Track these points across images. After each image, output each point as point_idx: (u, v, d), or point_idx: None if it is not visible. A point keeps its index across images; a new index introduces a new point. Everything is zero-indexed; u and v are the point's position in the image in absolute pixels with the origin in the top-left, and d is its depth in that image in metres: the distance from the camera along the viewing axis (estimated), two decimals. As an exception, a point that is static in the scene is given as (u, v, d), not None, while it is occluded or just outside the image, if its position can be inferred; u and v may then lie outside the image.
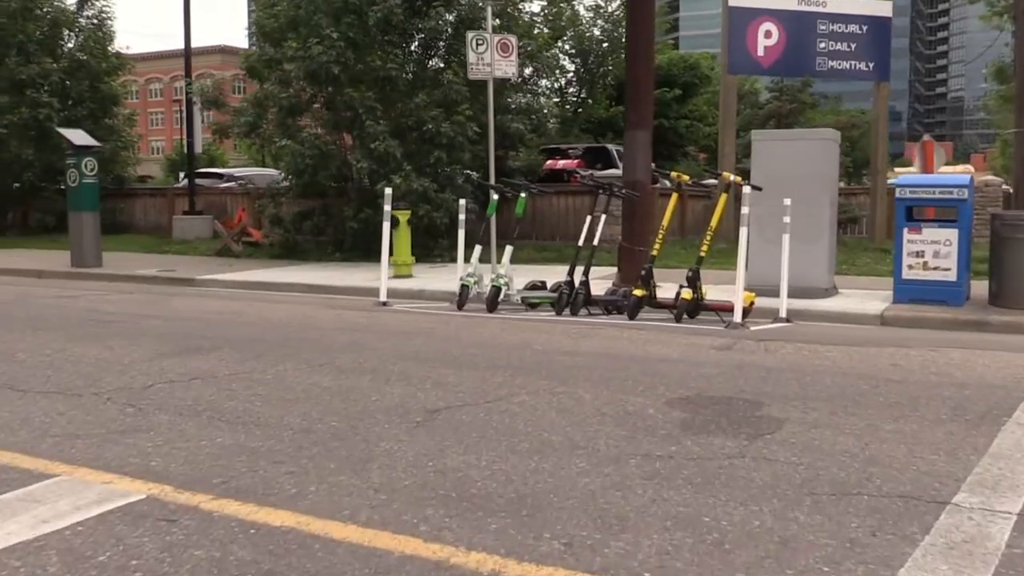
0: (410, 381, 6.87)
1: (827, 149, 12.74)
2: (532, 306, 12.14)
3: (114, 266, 17.92)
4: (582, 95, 36.26)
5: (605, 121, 35.04)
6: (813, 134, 13.08)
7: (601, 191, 12.07)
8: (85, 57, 24.11)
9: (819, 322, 11.33)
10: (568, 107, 35.76)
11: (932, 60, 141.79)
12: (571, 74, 35.57)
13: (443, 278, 14.90)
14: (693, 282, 10.80)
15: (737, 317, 10.27)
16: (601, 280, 14.69)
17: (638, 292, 10.94)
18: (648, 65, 13.97)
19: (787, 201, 11.50)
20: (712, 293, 12.53)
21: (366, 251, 17.43)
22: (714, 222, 10.98)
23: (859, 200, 22.62)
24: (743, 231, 10.38)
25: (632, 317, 10.93)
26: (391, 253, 15.54)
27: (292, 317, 10.75)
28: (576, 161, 23.40)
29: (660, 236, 11.29)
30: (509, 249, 12.22)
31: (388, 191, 12.41)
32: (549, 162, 23.46)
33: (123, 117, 25.93)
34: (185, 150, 24.23)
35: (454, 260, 17.43)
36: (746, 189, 10.41)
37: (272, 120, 18.93)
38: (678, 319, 10.71)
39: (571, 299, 11.54)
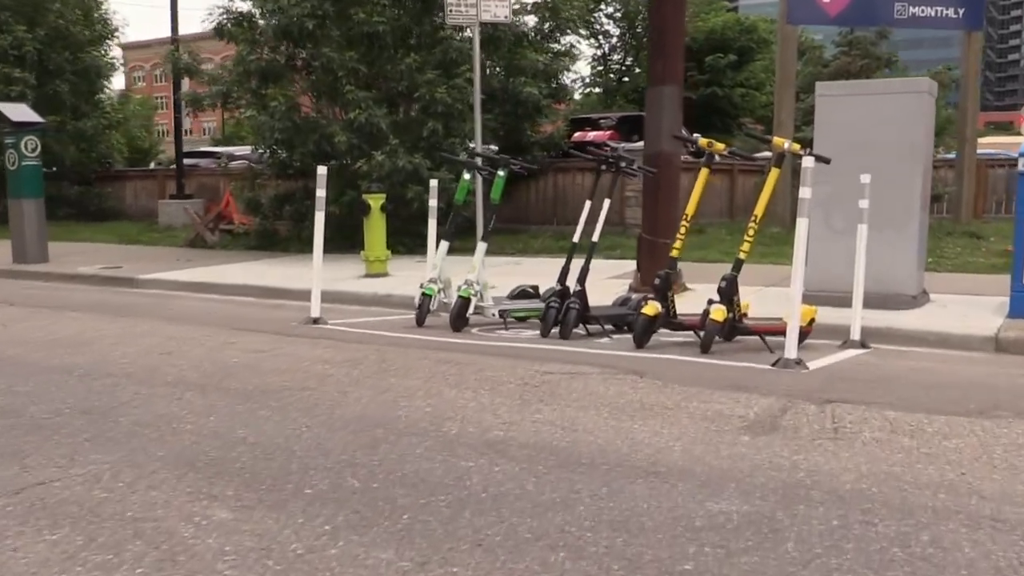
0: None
1: (920, 106, 9.16)
2: (520, 319, 8.86)
3: (60, 261, 15.03)
4: (627, 62, 32.58)
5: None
6: (901, 85, 9.54)
7: (604, 167, 8.67)
8: (63, 23, 21.18)
9: (908, 347, 7.89)
10: (612, 76, 32.15)
11: (1005, 26, 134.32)
12: (615, 39, 31.89)
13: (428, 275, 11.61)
14: (728, 295, 7.40)
15: (791, 351, 6.83)
16: (620, 280, 11.33)
17: (649, 310, 7.57)
18: (678, 2, 10.46)
19: (864, 178, 8.05)
20: (759, 303, 9.11)
21: (351, 241, 14.31)
22: (760, 207, 7.55)
23: (939, 174, 18.78)
24: (802, 221, 6.91)
25: (640, 344, 7.58)
26: (363, 246, 12.38)
27: (149, 349, 7.58)
28: (608, 133, 19.95)
29: (683, 228, 7.88)
30: (481, 248, 8.92)
31: (322, 171, 9.18)
32: (578, 134, 20.06)
33: (112, 93, 23.00)
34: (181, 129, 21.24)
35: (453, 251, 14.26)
36: (807, 161, 6.95)
37: (245, 88, 15.78)
38: (704, 349, 7.33)
39: (561, 315, 8.22)
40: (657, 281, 7.68)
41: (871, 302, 8.67)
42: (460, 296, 8.71)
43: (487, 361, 6.83)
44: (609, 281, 11.47)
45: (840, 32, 20.40)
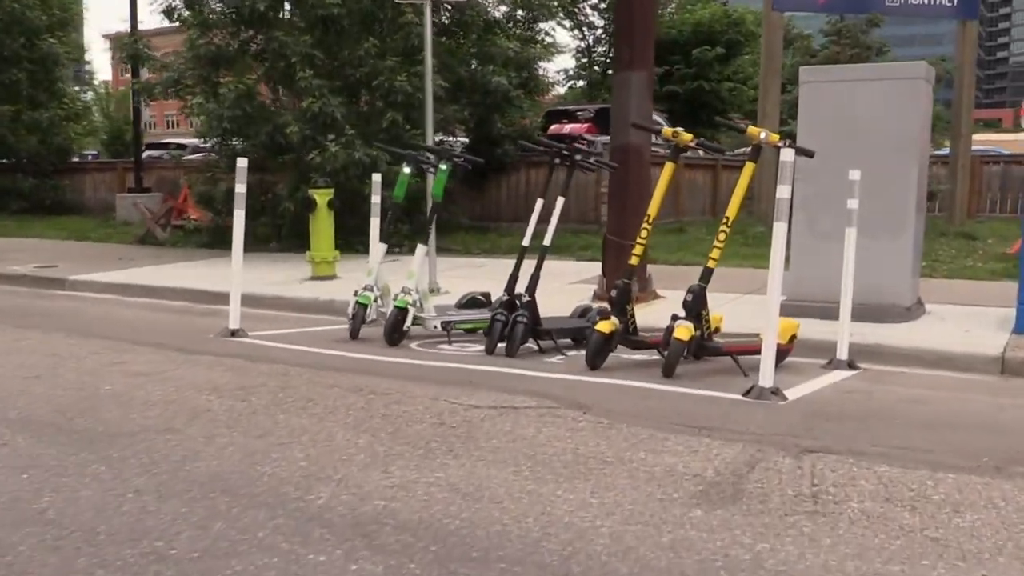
0: None
1: (916, 93, 8.05)
2: (469, 331, 7.77)
3: (-6, 259, 13.85)
4: (611, 54, 31.37)
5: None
6: (895, 69, 8.41)
7: (559, 160, 7.54)
8: (18, 7, 19.88)
9: (903, 367, 6.83)
10: (596, 68, 30.98)
11: (994, 23, 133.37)
12: (599, 31, 30.74)
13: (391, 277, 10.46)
14: (695, 310, 6.29)
15: (766, 378, 5.71)
16: (587, 285, 10.22)
17: (603, 327, 6.46)
18: (648, -21, 9.33)
19: (854, 175, 6.97)
20: (736, 313, 8.02)
21: (306, 240, 13.16)
22: (732, 208, 6.45)
23: (931, 171, 17.63)
24: (779, 226, 5.80)
25: (594, 366, 6.47)
26: (309, 247, 11.24)
27: (19, 368, 6.45)
28: (586, 126, 18.81)
29: (645, 232, 6.76)
30: (421, 251, 7.78)
31: (241, 163, 8.01)
32: (554, 126, 18.93)
33: (70, 82, 21.75)
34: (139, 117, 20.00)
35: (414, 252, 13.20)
36: (786, 155, 5.83)
37: (196, 74, 14.59)
38: (667, 373, 6.22)
39: (508, 329, 7.10)
40: (614, 293, 6.57)
41: (861, 314, 7.59)
42: (396, 306, 7.59)
43: (408, 389, 5.71)
44: (575, 287, 10.36)
45: (829, 20, 19.28)
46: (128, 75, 19.57)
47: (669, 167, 6.69)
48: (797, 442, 4.54)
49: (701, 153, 23.76)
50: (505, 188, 16.76)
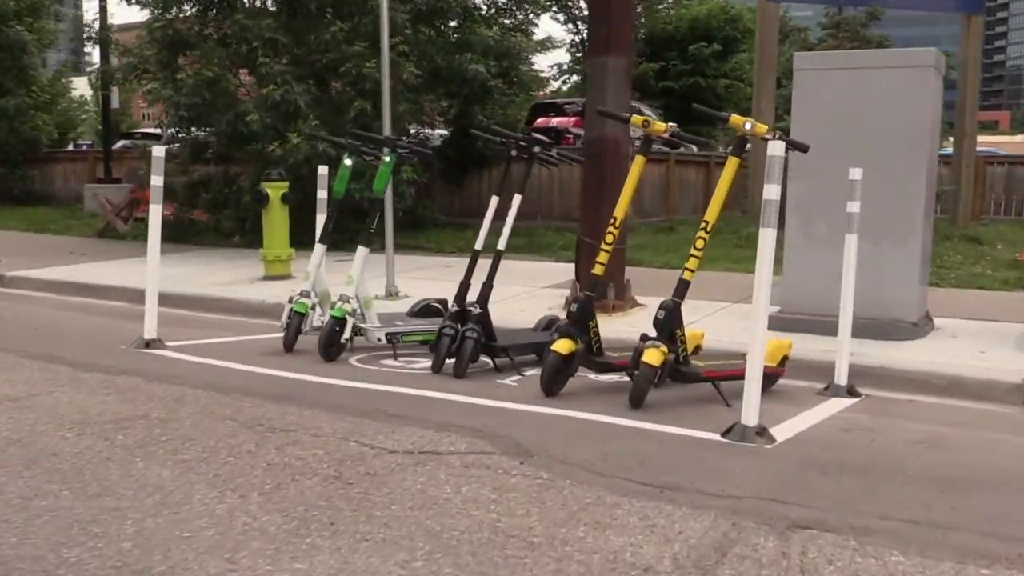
0: None
1: (925, 83, 7.00)
2: (426, 343, 6.71)
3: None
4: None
5: (634, 78, 28.96)
6: (902, 57, 7.32)
7: (515, 152, 6.46)
8: (-18, -7, 18.79)
9: (910, 394, 5.82)
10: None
11: (991, 26, 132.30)
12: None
13: (339, 280, 9.40)
14: (668, 329, 5.23)
15: (750, 415, 4.64)
16: (560, 291, 9.16)
17: (561, 347, 5.40)
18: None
19: (855, 173, 5.94)
20: (726, 324, 7.00)
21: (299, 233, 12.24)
22: (712, 210, 5.39)
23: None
24: (766, 233, 4.73)
25: (550, 392, 5.43)
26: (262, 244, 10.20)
27: None
28: (573, 119, 17.75)
29: (611, 236, 5.70)
30: (361, 253, 6.72)
31: (157, 152, 6.92)
32: (540, 120, 17.88)
33: (41, 70, 20.61)
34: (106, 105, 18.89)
35: (383, 248, 12.13)
36: (774, 148, 4.74)
37: (156, 59, 13.51)
38: (634, 404, 5.19)
39: (456, 344, 6.06)
40: (574, 308, 5.51)
41: (862, 330, 6.57)
42: (332, 316, 6.54)
43: (317, 424, 4.66)
44: (548, 292, 9.31)
45: (827, 13, 18.17)
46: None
47: (639, 161, 5.62)
48: (784, 511, 3.49)
49: (695, 149, 22.66)
50: (487, 183, 15.69)
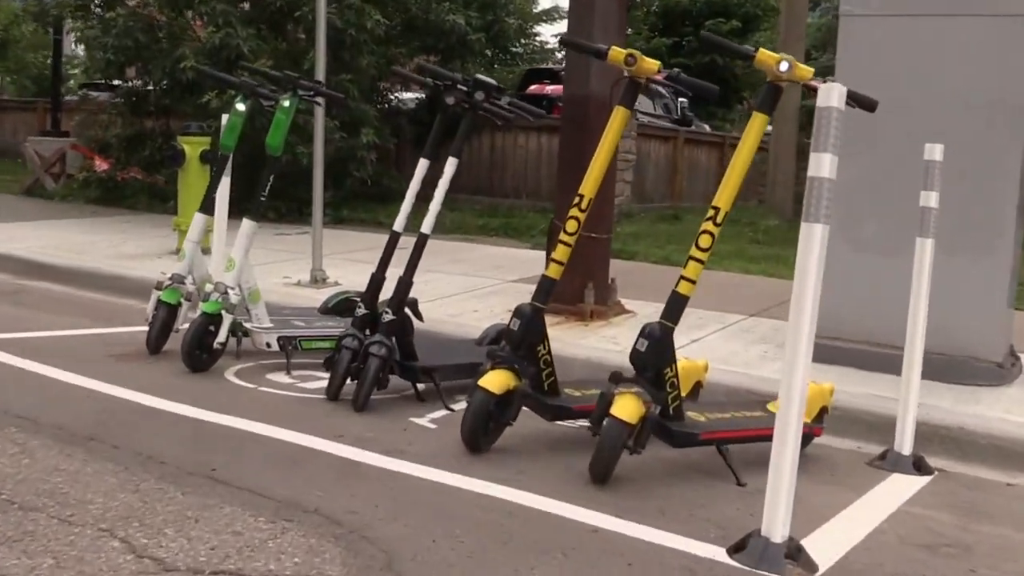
0: None
1: (1018, 38, 5.20)
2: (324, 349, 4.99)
3: None
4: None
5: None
6: (988, 3, 5.50)
7: (451, 100, 4.60)
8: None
9: (1006, 474, 4.11)
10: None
11: None
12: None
13: (265, 259, 7.56)
14: (652, 367, 3.47)
15: (775, 526, 2.87)
16: (530, 285, 7.40)
17: (493, 383, 3.67)
18: None
19: (932, 151, 4.18)
20: (731, 352, 5.24)
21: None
22: (725, 195, 3.61)
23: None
24: (811, 230, 2.92)
25: (474, 447, 3.70)
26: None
27: None
28: (555, 87, 15.97)
29: (573, 223, 3.91)
30: (246, 229, 4.98)
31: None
32: (535, 86, 16.05)
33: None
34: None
35: (341, 220, 10.45)
36: (828, 97, 2.92)
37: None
38: (598, 478, 3.46)
39: (357, 364, 4.31)
40: (515, 325, 3.75)
41: (925, 370, 4.81)
42: (203, 312, 4.81)
43: (94, 489, 2.95)
44: (518, 287, 7.54)
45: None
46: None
47: (619, 116, 3.85)
48: None
49: (707, 128, 20.80)
50: (465, 154, 13.86)
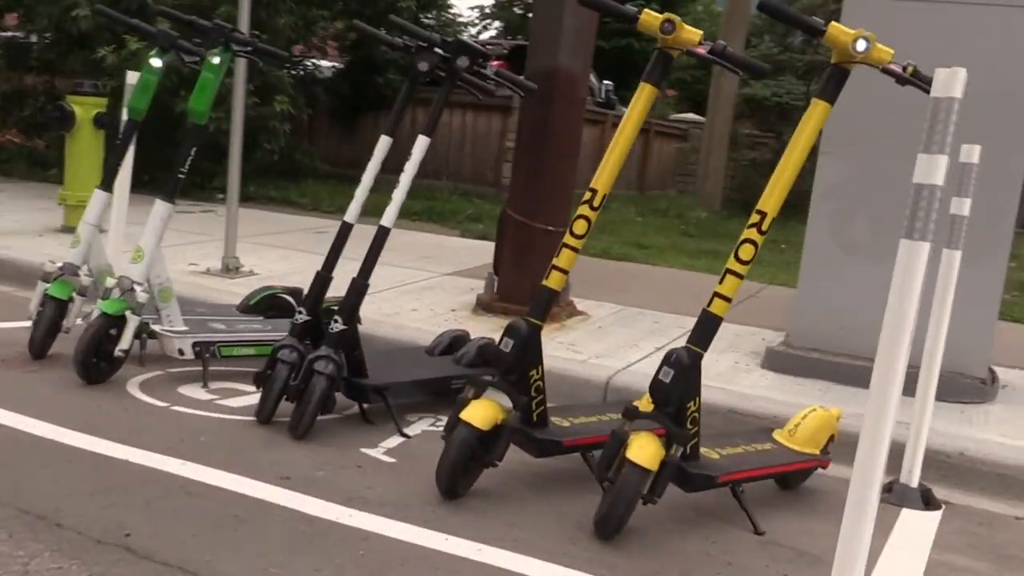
0: None
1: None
2: (260, 357, 4.31)
3: None
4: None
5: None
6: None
7: (427, 67, 3.91)
8: None
9: (1012, 505, 3.65)
10: (517, 8, 27.32)
11: None
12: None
13: (166, 241, 6.70)
14: (676, 401, 2.90)
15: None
16: (467, 282, 6.77)
17: (479, 417, 3.07)
18: None
19: (969, 153, 3.73)
20: (720, 372, 4.71)
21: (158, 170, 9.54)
22: (773, 200, 3.03)
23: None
24: (916, 250, 2.36)
25: (452, 492, 3.13)
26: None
27: None
28: (498, 63, 15.29)
29: (582, 224, 3.28)
30: (159, 213, 4.22)
31: None
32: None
33: None
34: None
35: (248, 198, 9.58)
36: (945, 85, 2.34)
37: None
38: (607, 532, 2.89)
39: (298, 380, 3.61)
40: (508, 346, 3.12)
41: (906, 386, 4.42)
42: (102, 312, 4.03)
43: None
44: (454, 280, 6.91)
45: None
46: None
47: (645, 93, 3.24)
48: None
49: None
50: (409, 129, 13.10)
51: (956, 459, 4.07)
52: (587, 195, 3.17)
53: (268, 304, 4.92)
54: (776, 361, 5.15)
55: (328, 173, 12.02)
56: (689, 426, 2.98)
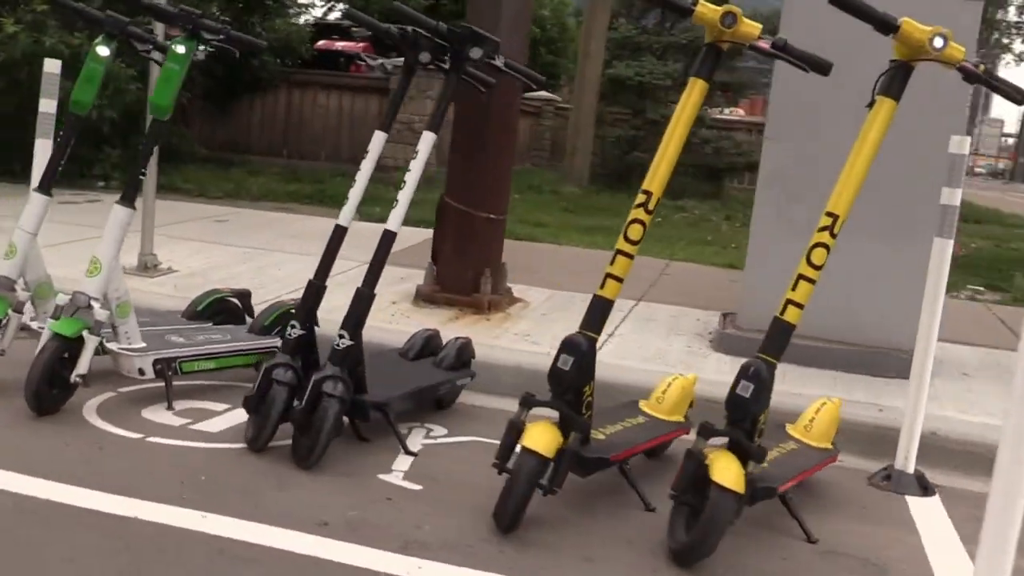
0: None
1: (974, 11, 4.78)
2: (220, 370, 3.70)
3: None
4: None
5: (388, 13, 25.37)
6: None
7: (428, 57, 3.38)
8: None
9: (984, 484, 3.49)
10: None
11: None
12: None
13: (60, 236, 5.71)
14: (751, 415, 2.61)
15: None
16: (397, 271, 6.24)
17: (543, 442, 2.72)
18: None
19: (960, 146, 3.58)
20: (644, 349, 4.35)
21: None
22: (842, 199, 2.77)
23: (751, 137, 14.95)
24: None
25: (512, 527, 2.69)
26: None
27: None
28: (362, 44, 14.56)
29: (638, 230, 2.89)
30: (119, 220, 3.55)
31: None
32: (323, 42, 14.47)
33: None
34: None
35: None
36: None
37: None
38: (701, 556, 2.57)
39: (302, 404, 3.06)
40: (566, 364, 2.72)
41: (849, 363, 4.52)
42: (56, 334, 3.34)
43: None
44: (391, 271, 6.32)
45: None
46: None
47: (697, 88, 2.86)
48: None
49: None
50: (260, 112, 12.23)
51: (929, 439, 3.95)
52: (641, 198, 2.79)
53: (216, 309, 4.30)
54: (730, 344, 4.94)
55: (206, 157, 11.07)
56: (758, 439, 2.68)
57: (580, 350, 2.70)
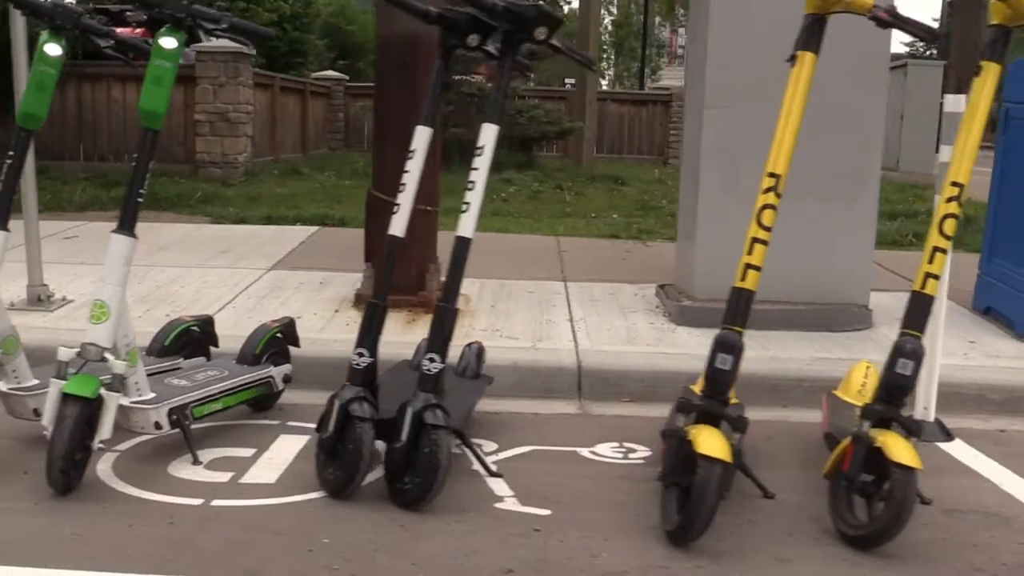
0: None
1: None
2: (226, 410, 3.24)
3: None
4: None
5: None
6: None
7: (478, 42, 3.08)
8: None
9: (981, 422, 3.99)
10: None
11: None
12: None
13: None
14: (903, 395, 2.60)
15: None
16: (292, 273, 5.76)
17: (719, 448, 2.58)
18: None
19: (956, 104, 3.82)
20: (624, 336, 4.35)
21: None
22: (964, 167, 3.04)
23: (558, 105, 15.19)
24: None
25: (697, 536, 2.51)
26: None
27: None
28: (140, 30, 13.32)
29: (767, 215, 2.99)
30: (120, 251, 2.99)
31: None
32: (120, 29, 13.06)
33: None
34: None
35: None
36: None
37: None
38: (884, 540, 2.56)
39: (400, 448, 2.77)
40: (723, 363, 2.63)
41: (808, 322, 4.80)
42: (73, 398, 2.80)
43: None
44: (284, 275, 5.85)
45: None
46: None
47: (809, 60, 2.81)
48: None
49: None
50: (75, 108, 10.90)
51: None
52: (769, 182, 2.71)
53: (184, 341, 3.80)
54: (690, 317, 4.98)
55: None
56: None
57: (737, 348, 2.61)
